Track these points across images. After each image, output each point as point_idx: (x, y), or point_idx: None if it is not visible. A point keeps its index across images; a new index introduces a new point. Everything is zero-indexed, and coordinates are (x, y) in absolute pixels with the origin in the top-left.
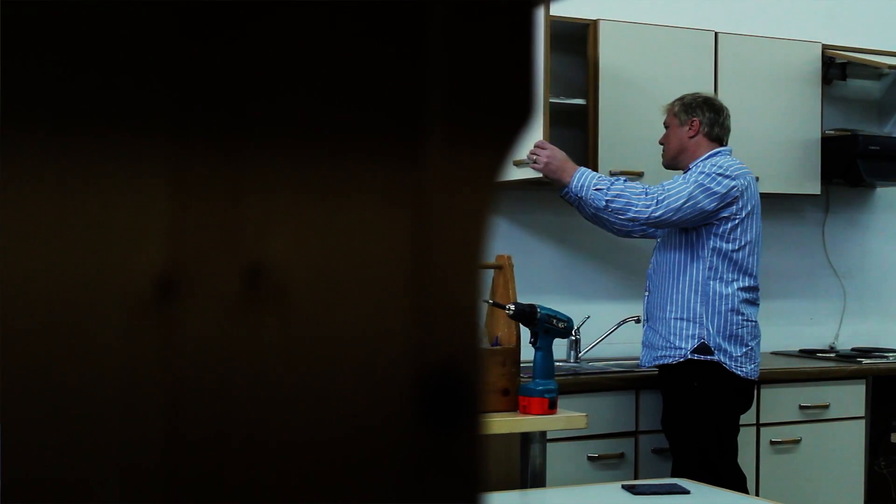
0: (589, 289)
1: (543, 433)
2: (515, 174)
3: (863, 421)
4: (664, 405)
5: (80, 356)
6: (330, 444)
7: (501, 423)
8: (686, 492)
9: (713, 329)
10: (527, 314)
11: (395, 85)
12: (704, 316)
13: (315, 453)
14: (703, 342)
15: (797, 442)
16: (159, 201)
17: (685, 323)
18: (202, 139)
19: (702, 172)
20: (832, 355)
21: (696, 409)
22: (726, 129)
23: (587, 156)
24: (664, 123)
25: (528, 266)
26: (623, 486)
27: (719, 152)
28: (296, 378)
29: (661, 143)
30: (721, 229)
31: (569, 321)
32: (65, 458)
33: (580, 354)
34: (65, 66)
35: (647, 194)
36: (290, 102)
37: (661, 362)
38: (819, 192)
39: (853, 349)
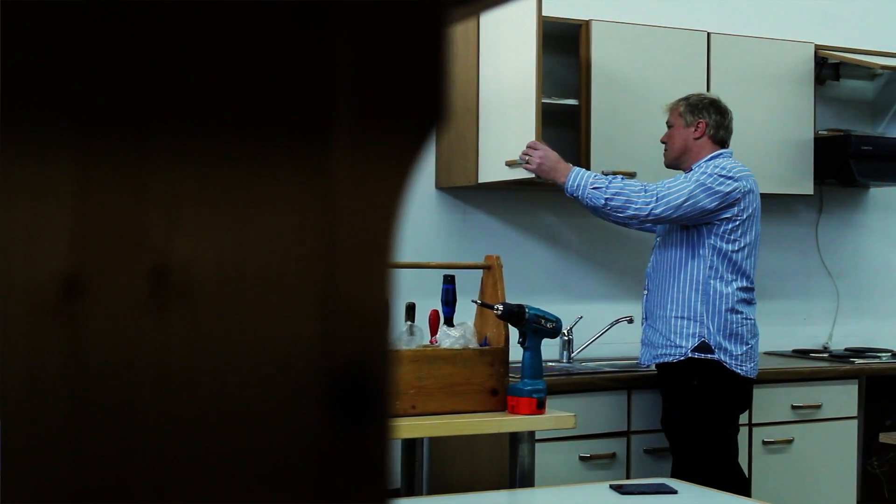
0: (581, 289)
1: (532, 433)
2: (508, 174)
3: (855, 421)
4: (664, 404)
5: None
6: (239, 447)
7: (490, 423)
8: (673, 491)
9: (713, 328)
10: (515, 314)
11: (303, 85)
12: (705, 314)
13: (224, 456)
14: (704, 341)
15: (790, 442)
16: (64, 200)
17: (685, 321)
18: (107, 136)
19: (704, 173)
20: (825, 355)
21: (696, 408)
22: (730, 132)
23: (580, 156)
24: (668, 123)
25: (521, 266)
26: (611, 486)
27: (721, 154)
28: (203, 380)
29: (662, 142)
30: (722, 230)
31: (557, 321)
32: None
33: (573, 354)
34: None
35: (646, 191)
36: (197, 102)
37: (661, 360)
38: (812, 193)
39: (846, 349)
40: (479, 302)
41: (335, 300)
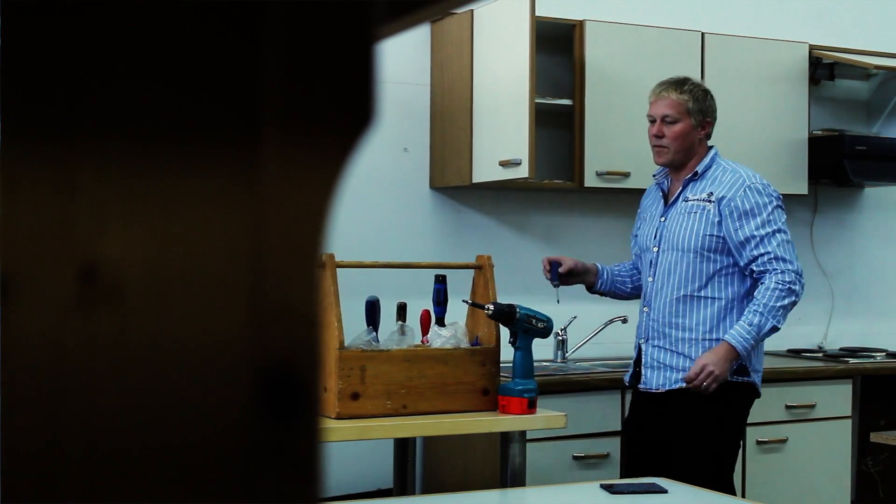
0: (575, 289)
1: (523, 433)
2: (501, 174)
3: (849, 420)
4: (678, 423)
5: None
6: (167, 444)
7: (481, 423)
8: (663, 491)
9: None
10: (506, 314)
11: (231, 85)
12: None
13: (152, 453)
14: (744, 364)
15: (783, 441)
16: None
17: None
18: (34, 136)
19: (760, 209)
20: (820, 355)
21: (725, 429)
22: None
23: (573, 156)
24: (668, 115)
25: (516, 266)
26: (601, 486)
27: (716, 152)
28: (131, 378)
29: (658, 136)
30: None
31: (548, 321)
32: None
33: (567, 354)
34: None
35: (788, 283)
36: (126, 102)
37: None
38: (806, 192)
39: (841, 349)
40: (469, 302)
41: (264, 299)
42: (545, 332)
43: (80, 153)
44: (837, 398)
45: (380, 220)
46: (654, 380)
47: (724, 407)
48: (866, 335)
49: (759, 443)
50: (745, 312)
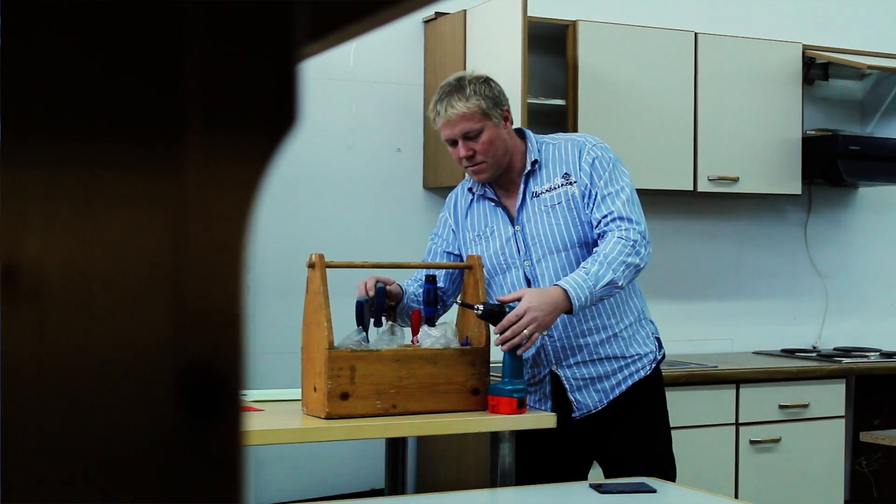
0: None
1: (513, 433)
2: None
3: (843, 420)
4: (630, 429)
5: None
6: (88, 445)
7: (471, 423)
8: (652, 490)
9: (648, 314)
10: (496, 314)
11: (154, 84)
12: (641, 305)
13: (72, 455)
14: (656, 336)
15: (776, 441)
16: None
17: (636, 324)
18: None
19: (602, 152)
20: (813, 355)
21: (664, 412)
22: None
23: None
24: (466, 132)
25: None
26: (590, 485)
27: (529, 132)
28: (52, 380)
29: (467, 156)
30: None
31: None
32: None
33: None
34: None
35: (633, 242)
36: (46, 99)
37: (629, 384)
38: (800, 192)
39: (835, 349)
40: (459, 302)
41: (185, 299)
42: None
43: (2, 157)
44: (831, 398)
45: (373, 220)
46: (590, 400)
47: (658, 386)
48: (860, 335)
49: (752, 442)
50: (583, 265)
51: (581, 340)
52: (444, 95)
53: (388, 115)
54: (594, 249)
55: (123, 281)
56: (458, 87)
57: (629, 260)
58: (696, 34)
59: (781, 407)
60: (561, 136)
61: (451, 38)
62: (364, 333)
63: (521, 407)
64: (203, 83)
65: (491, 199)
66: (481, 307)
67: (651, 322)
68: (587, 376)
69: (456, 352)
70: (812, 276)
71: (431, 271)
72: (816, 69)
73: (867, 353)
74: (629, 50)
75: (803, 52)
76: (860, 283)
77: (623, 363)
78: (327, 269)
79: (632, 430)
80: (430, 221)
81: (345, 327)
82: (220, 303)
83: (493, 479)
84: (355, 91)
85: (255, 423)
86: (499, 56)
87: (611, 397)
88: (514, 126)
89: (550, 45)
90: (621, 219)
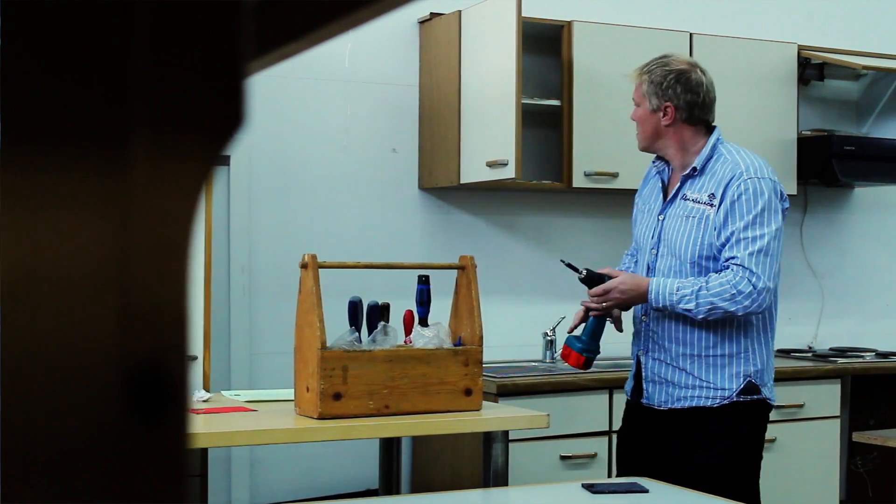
0: (565, 289)
1: (506, 433)
2: (489, 175)
3: (838, 420)
4: (680, 449)
5: None
6: (35, 444)
7: (463, 423)
8: (644, 490)
9: (761, 363)
10: (594, 281)
11: (101, 86)
12: (753, 350)
13: (19, 453)
14: (751, 381)
15: (772, 441)
16: None
17: (728, 359)
18: None
19: (756, 200)
20: (809, 355)
21: (741, 454)
22: (708, 106)
23: (561, 157)
24: (633, 99)
25: (506, 266)
26: (583, 485)
27: (719, 142)
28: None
29: (633, 120)
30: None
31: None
32: None
33: (555, 355)
34: None
35: (738, 292)
36: None
37: (692, 404)
38: (795, 192)
39: (831, 349)
40: (565, 262)
41: (131, 299)
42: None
43: None
44: (826, 398)
45: (369, 220)
46: (657, 396)
47: (734, 426)
48: (856, 335)
49: None
50: (686, 280)
51: (668, 344)
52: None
53: (383, 116)
54: (708, 274)
55: (69, 281)
56: (648, 63)
57: (721, 305)
58: (691, 34)
59: (776, 407)
60: (735, 150)
61: (446, 39)
62: (357, 333)
63: (586, 366)
64: (149, 85)
65: (662, 182)
66: (584, 272)
67: (753, 365)
68: (661, 375)
69: (449, 352)
70: (808, 277)
71: (425, 271)
72: (812, 69)
73: (863, 354)
74: (624, 50)
75: (799, 53)
76: (856, 284)
77: (696, 382)
78: (321, 270)
79: (688, 449)
80: (426, 222)
81: (338, 327)
82: (166, 302)
83: (486, 479)
84: (350, 91)
85: (248, 424)
86: (493, 56)
87: (672, 405)
88: (701, 125)
89: (546, 45)
90: (744, 268)
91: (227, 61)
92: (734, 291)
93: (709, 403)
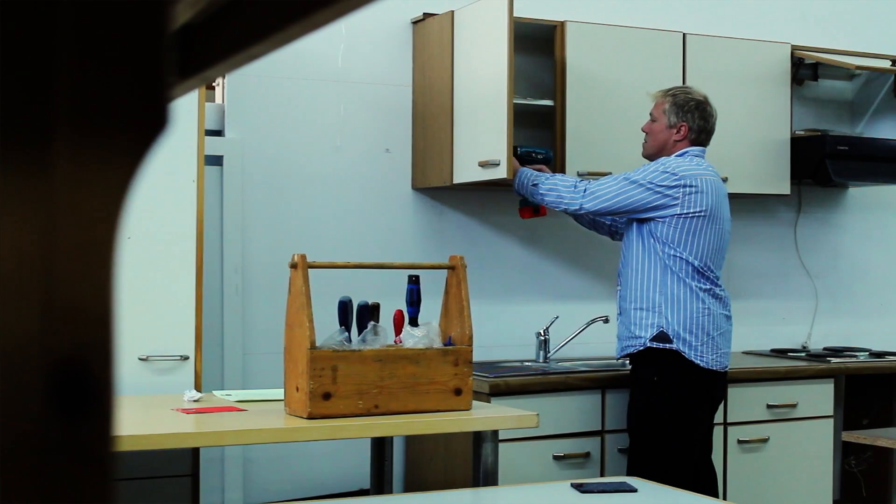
0: (557, 289)
1: (496, 433)
2: (482, 175)
3: (831, 420)
4: (629, 399)
5: None
6: None
7: (453, 423)
8: (633, 490)
9: (672, 318)
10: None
11: (24, 86)
12: (663, 305)
13: None
14: (662, 330)
15: (765, 441)
16: None
17: (644, 312)
18: None
19: (644, 169)
20: (803, 354)
21: (654, 401)
22: (710, 135)
23: (555, 157)
24: (651, 114)
25: (498, 266)
26: (572, 485)
27: (687, 152)
28: None
29: (644, 131)
30: (667, 230)
31: (546, 151)
32: None
33: (549, 354)
34: None
35: (576, 187)
36: None
37: (625, 352)
38: (789, 193)
39: (825, 349)
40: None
41: (55, 298)
42: (546, 161)
43: None
44: (820, 398)
45: (362, 220)
46: (617, 346)
47: (651, 381)
48: (850, 335)
49: (740, 442)
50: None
51: (623, 302)
52: (668, 88)
53: (376, 116)
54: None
55: None
56: (674, 88)
57: (563, 193)
58: (684, 35)
59: (770, 407)
60: (689, 159)
61: (439, 39)
62: (346, 333)
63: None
64: (73, 86)
65: None
66: (520, 150)
67: (667, 322)
68: (619, 331)
69: (438, 352)
70: (802, 276)
71: (415, 271)
72: (805, 69)
73: (856, 353)
74: (617, 50)
75: (792, 53)
76: (850, 283)
77: (627, 333)
78: (311, 270)
79: (630, 401)
80: (419, 222)
81: (328, 327)
82: (90, 302)
83: (476, 479)
84: (343, 92)
85: (238, 424)
86: (486, 56)
87: (619, 355)
88: (697, 147)
89: (538, 45)
90: (589, 182)
91: (151, 64)
92: (573, 185)
93: (632, 350)
